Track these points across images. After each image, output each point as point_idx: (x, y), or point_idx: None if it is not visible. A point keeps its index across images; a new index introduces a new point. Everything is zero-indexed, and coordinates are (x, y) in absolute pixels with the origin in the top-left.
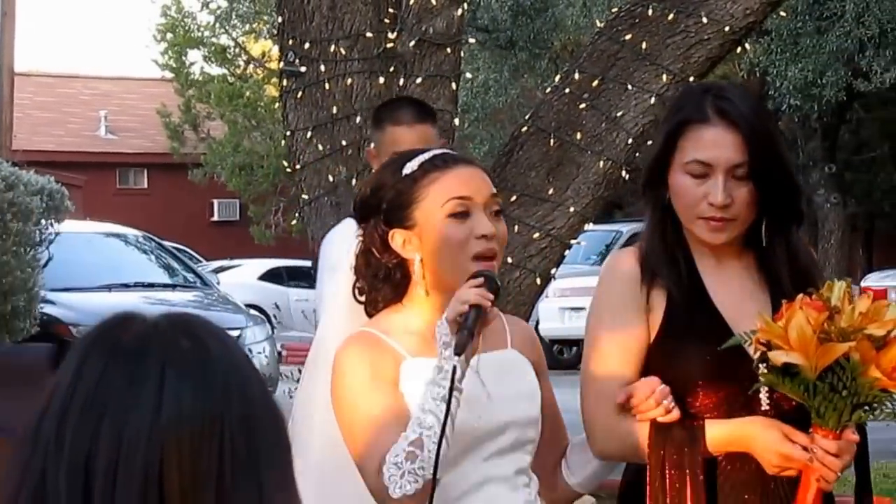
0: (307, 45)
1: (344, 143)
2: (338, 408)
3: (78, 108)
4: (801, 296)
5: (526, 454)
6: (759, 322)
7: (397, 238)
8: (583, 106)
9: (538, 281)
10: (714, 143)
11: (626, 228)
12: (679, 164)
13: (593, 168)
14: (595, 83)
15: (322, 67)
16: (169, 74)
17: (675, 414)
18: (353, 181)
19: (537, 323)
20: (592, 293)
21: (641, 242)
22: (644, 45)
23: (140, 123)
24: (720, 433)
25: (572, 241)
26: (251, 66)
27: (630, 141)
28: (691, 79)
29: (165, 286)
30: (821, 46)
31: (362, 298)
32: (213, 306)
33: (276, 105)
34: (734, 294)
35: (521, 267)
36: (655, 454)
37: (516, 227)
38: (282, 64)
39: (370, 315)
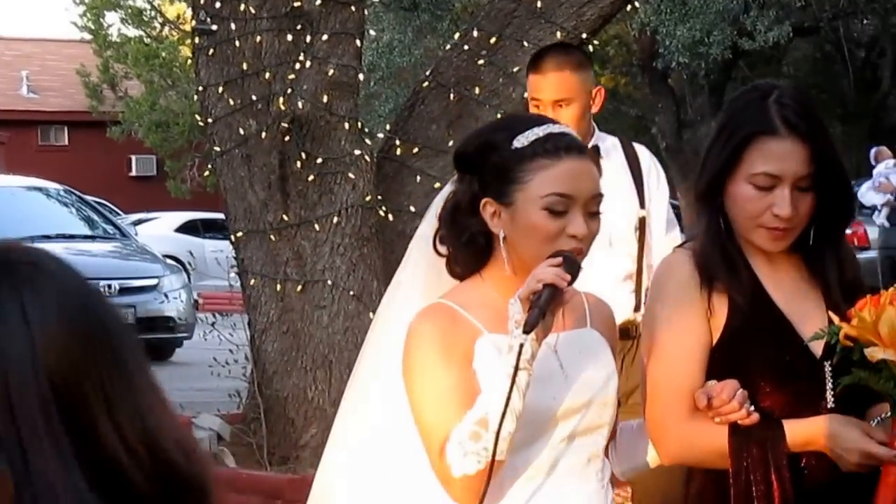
0: (218, 5)
1: (254, 97)
2: (407, 380)
3: (0, 69)
4: (891, 290)
5: (601, 438)
6: (835, 319)
7: (489, 208)
8: (481, 62)
9: None
10: (783, 156)
11: None
12: (744, 175)
13: (491, 121)
14: (493, 40)
15: (232, 25)
16: (88, 36)
17: (756, 416)
18: (263, 134)
19: None
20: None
21: (695, 246)
22: (539, 4)
23: (60, 83)
24: (799, 432)
25: None
26: (167, 28)
27: (526, 95)
28: (584, 35)
29: (86, 237)
30: (707, 7)
31: (443, 250)
32: (131, 256)
33: (191, 65)
34: (790, 294)
35: (423, 215)
36: (738, 458)
37: (418, 178)
38: (194, 22)
39: (451, 272)
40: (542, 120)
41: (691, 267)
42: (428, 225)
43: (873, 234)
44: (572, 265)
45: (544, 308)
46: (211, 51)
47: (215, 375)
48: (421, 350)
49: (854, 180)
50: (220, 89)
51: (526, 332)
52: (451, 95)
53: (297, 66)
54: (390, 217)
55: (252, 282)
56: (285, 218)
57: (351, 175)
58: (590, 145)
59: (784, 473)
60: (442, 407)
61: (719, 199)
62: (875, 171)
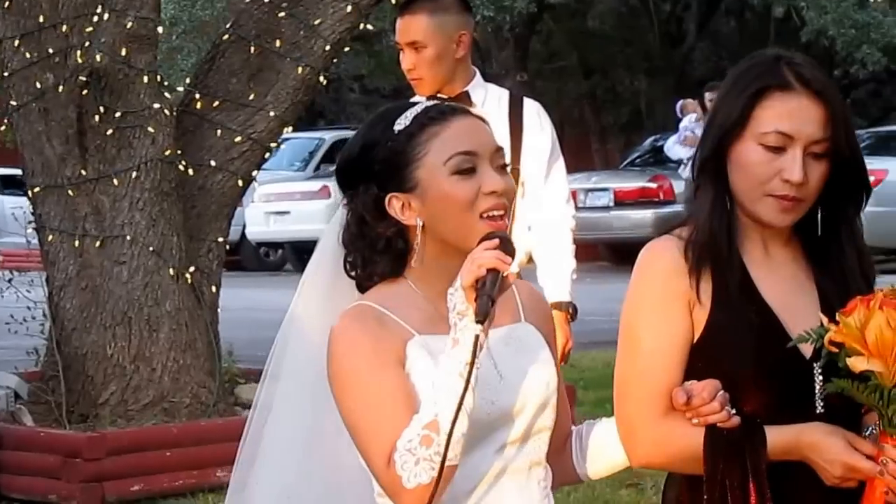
0: None
1: (51, 50)
2: (339, 392)
3: None
4: (880, 293)
5: (542, 443)
6: (824, 320)
7: (395, 203)
8: (282, 14)
9: (240, 183)
10: (798, 113)
11: (329, 136)
12: (753, 134)
13: (292, 74)
14: None
15: None
16: None
17: (736, 419)
18: (60, 88)
19: (244, 227)
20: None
21: (691, 228)
22: None
23: None
24: (780, 439)
25: (272, 145)
26: None
27: (328, 48)
28: None
29: None
30: None
31: (358, 273)
32: None
33: None
34: (783, 287)
35: (224, 170)
36: (712, 462)
37: (219, 132)
38: None
39: (363, 291)
40: (413, 103)
41: (677, 255)
42: (325, 255)
43: (679, 188)
44: (508, 245)
45: (492, 294)
46: (7, 3)
47: (12, 333)
48: (350, 356)
49: (660, 134)
50: (17, 42)
51: (480, 321)
52: (252, 48)
53: (95, 18)
54: (190, 171)
55: (50, 237)
56: (83, 173)
57: (150, 129)
58: (462, 92)
59: (762, 480)
60: (382, 414)
61: (725, 166)
62: (681, 125)
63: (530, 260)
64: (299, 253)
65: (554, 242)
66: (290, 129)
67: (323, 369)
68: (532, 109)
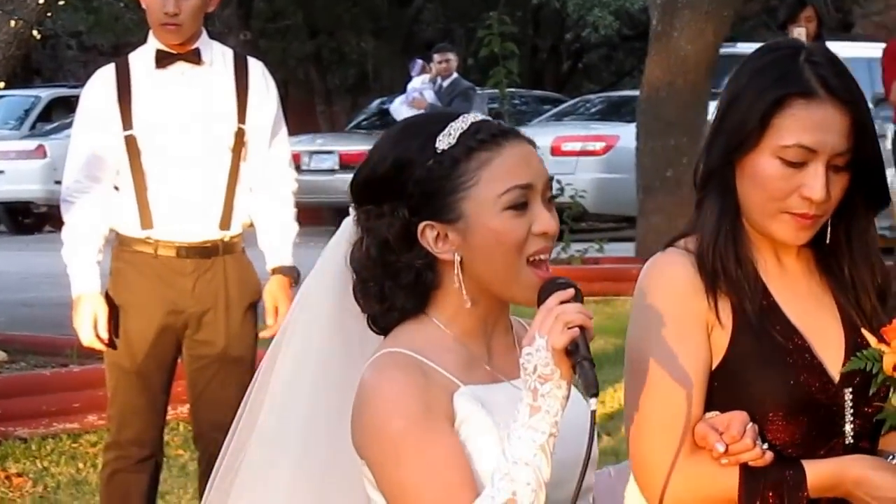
0: None
1: None
2: (383, 459)
3: None
4: None
5: (589, 503)
6: (872, 341)
7: (429, 233)
8: None
9: None
10: (822, 125)
11: (46, 94)
12: (771, 147)
13: (4, 28)
14: None
15: None
16: None
17: (770, 455)
18: None
19: None
20: None
21: (699, 243)
22: None
23: None
24: (821, 474)
25: None
26: None
27: (41, 1)
28: None
29: None
30: None
31: (374, 306)
32: None
33: None
34: (804, 305)
35: None
36: None
37: None
38: None
39: (379, 330)
40: (448, 114)
41: (691, 271)
42: (324, 285)
43: None
44: (580, 295)
45: (591, 359)
46: None
47: None
48: (400, 415)
49: (387, 97)
50: None
51: (594, 394)
52: None
53: None
54: None
55: None
56: None
57: None
58: (193, 48)
59: None
60: (446, 484)
61: (733, 178)
62: (409, 86)
63: (252, 224)
64: (13, 214)
65: (275, 206)
66: (3, 85)
67: (310, 412)
68: (257, 70)
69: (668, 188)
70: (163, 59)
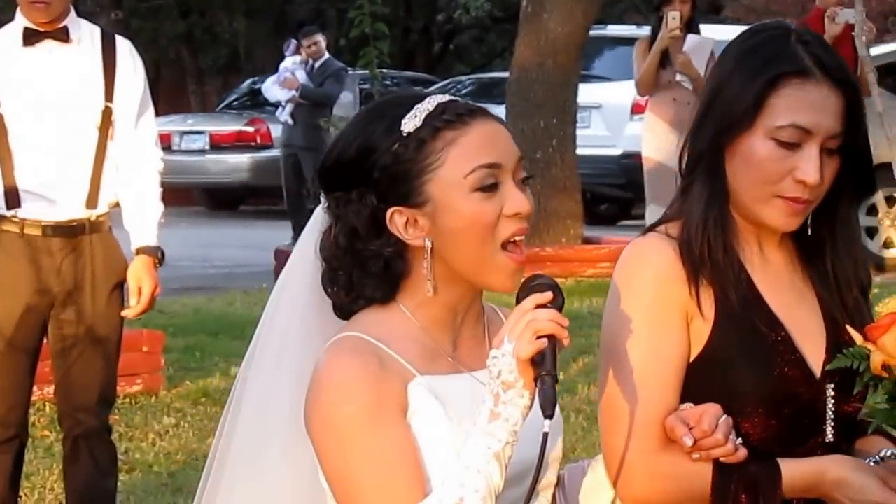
0: None
1: None
2: (328, 445)
3: None
4: None
5: (547, 501)
6: (858, 339)
7: (397, 218)
8: None
9: None
10: (818, 105)
11: None
12: (764, 127)
13: None
14: None
15: None
16: None
17: (743, 452)
18: None
19: None
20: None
21: (683, 228)
22: None
23: None
24: (798, 474)
25: None
26: None
27: None
28: None
29: None
30: None
31: (341, 295)
32: None
33: None
34: (787, 298)
35: None
36: (721, 503)
37: None
38: None
39: (345, 315)
40: (415, 95)
41: (672, 257)
42: (300, 273)
43: (276, 132)
44: (560, 298)
45: (556, 374)
46: None
47: None
48: (349, 402)
49: (258, 77)
50: None
51: (549, 415)
52: None
53: None
54: None
55: None
56: None
57: None
58: (61, 26)
59: None
60: (391, 479)
61: (723, 161)
62: (281, 66)
63: (118, 203)
64: None
65: (140, 185)
66: None
67: (295, 407)
68: (125, 48)
69: (537, 169)
70: (30, 37)
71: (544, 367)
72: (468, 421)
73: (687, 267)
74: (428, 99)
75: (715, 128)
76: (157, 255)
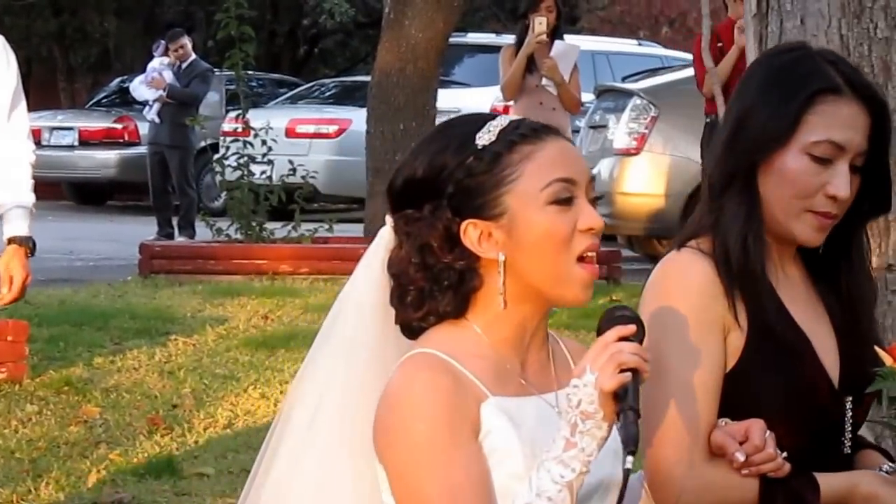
0: None
1: None
2: (402, 465)
3: None
4: None
5: None
6: (887, 360)
7: (471, 232)
8: None
9: None
10: (851, 122)
11: None
12: (801, 143)
13: None
14: None
15: None
16: None
17: (788, 466)
18: None
19: None
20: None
21: (720, 245)
22: None
23: None
24: (830, 488)
25: None
26: None
27: None
28: None
29: None
30: None
31: (410, 312)
32: None
33: None
34: (807, 313)
35: None
36: None
37: None
38: None
39: (412, 336)
40: (485, 114)
41: (710, 273)
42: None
43: (143, 129)
44: (642, 330)
45: (638, 409)
46: None
47: None
48: (426, 421)
49: (127, 75)
50: None
51: (632, 451)
52: None
53: None
54: None
55: None
56: None
57: None
58: None
59: None
60: (463, 502)
61: (756, 179)
62: (149, 66)
63: None
64: None
65: (13, 177)
66: None
67: (359, 425)
68: None
69: None
70: None
71: (627, 401)
72: (538, 445)
73: (725, 282)
74: (499, 117)
75: (749, 147)
76: (29, 245)
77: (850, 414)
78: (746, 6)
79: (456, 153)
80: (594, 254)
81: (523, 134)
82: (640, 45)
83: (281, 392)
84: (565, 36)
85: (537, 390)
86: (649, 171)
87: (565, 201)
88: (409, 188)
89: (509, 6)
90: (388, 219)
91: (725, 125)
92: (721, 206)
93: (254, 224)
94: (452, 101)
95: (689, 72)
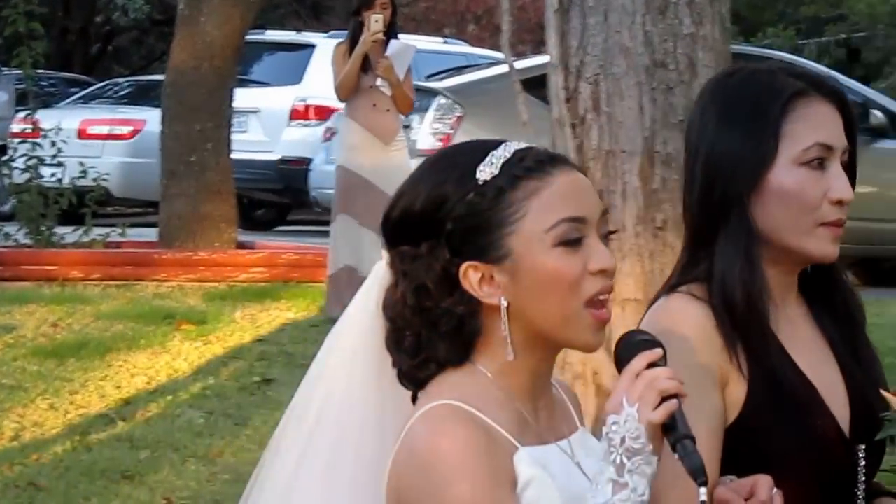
0: None
1: None
2: None
3: None
4: None
5: None
6: (894, 403)
7: (472, 274)
8: None
9: None
10: (829, 119)
11: None
12: (790, 156)
13: None
14: None
15: None
16: None
17: None
18: None
19: None
20: None
21: (715, 291)
22: None
23: None
24: None
25: None
26: None
27: None
28: None
29: None
30: None
31: (405, 359)
32: None
33: None
34: (809, 354)
35: None
36: None
37: None
38: None
39: (410, 385)
40: (487, 142)
41: (706, 322)
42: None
43: None
44: (665, 353)
45: (692, 436)
46: None
47: None
48: (465, 479)
49: None
50: None
51: (703, 482)
52: None
53: None
54: None
55: None
56: None
57: None
58: None
59: None
60: None
61: (748, 208)
62: None
63: None
64: None
65: None
66: None
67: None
68: None
69: (191, 173)
70: None
71: (678, 430)
72: (569, 496)
73: (726, 331)
74: (503, 145)
75: (732, 180)
76: None
77: (864, 463)
78: (548, 1)
79: (455, 187)
80: (607, 297)
81: (528, 167)
82: (445, 42)
83: (71, 403)
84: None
85: (552, 438)
86: None
87: (574, 242)
88: (406, 222)
89: (310, 2)
90: (384, 254)
91: (693, 167)
92: (713, 252)
93: (43, 228)
94: (251, 100)
95: (496, 70)
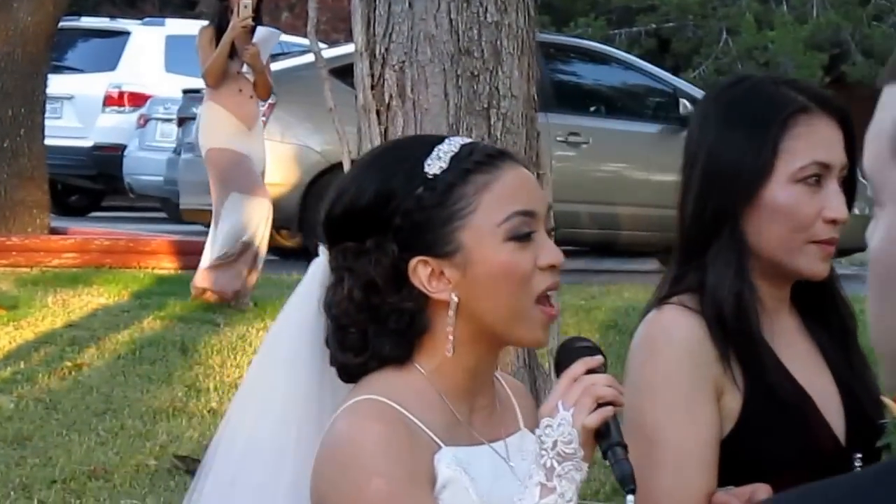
0: None
1: None
2: None
3: None
4: None
5: None
6: (894, 409)
7: (421, 270)
8: None
9: None
10: (829, 137)
11: None
12: (786, 173)
13: None
14: None
15: None
16: None
17: None
18: None
19: None
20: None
21: (707, 303)
22: None
23: None
24: None
25: None
26: None
27: None
28: None
29: None
30: None
31: (350, 356)
32: None
33: None
34: (801, 363)
35: None
36: None
37: None
38: None
39: (350, 380)
40: (432, 137)
41: (700, 334)
42: (296, 337)
43: None
44: (605, 359)
45: (624, 443)
46: None
47: None
48: (380, 477)
49: None
50: None
51: (631, 489)
52: None
53: None
54: None
55: None
56: None
57: None
58: None
59: None
60: None
61: (741, 222)
62: None
63: None
64: None
65: None
66: None
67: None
68: None
69: (4, 158)
70: None
71: (611, 437)
72: (493, 499)
73: (719, 343)
74: (447, 140)
75: (727, 192)
76: None
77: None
78: None
79: (404, 181)
80: (554, 293)
81: (478, 161)
82: None
83: None
84: (180, 21)
85: (486, 439)
86: (267, 160)
87: (525, 237)
88: (350, 218)
89: None
90: (322, 251)
91: (690, 174)
92: (705, 263)
93: None
94: (64, 86)
95: (308, 58)
